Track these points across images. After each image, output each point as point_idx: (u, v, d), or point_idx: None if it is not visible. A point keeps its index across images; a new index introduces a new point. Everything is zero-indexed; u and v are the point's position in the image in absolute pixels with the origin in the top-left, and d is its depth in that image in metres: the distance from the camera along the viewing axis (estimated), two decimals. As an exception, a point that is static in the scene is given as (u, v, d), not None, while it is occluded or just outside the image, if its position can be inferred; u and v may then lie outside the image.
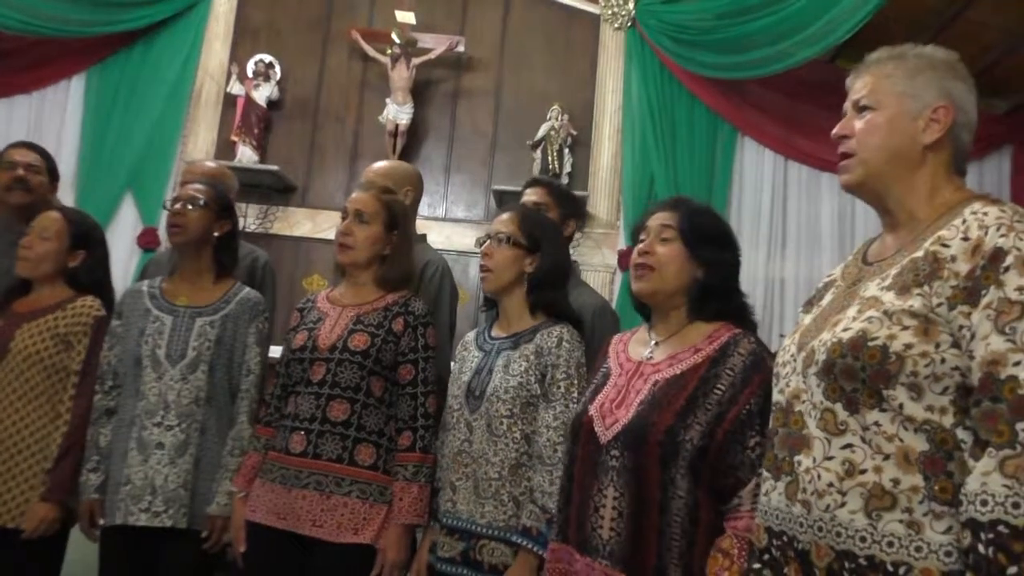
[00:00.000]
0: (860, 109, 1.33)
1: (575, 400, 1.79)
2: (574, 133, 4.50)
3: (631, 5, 4.61)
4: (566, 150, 4.47)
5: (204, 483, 2.06)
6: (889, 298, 1.18)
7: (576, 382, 1.84)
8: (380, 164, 2.76)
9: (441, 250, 4.41)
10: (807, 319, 1.36)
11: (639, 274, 1.62)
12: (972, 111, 1.30)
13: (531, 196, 2.47)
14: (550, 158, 4.44)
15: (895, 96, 1.29)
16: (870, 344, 1.14)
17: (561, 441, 1.75)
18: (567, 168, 4.47)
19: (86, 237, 2.35)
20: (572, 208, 2.53)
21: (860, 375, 1.14)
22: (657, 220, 1.64)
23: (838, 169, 1.35)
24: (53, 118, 4.67)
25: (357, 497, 1.90)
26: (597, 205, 4.53)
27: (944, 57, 1.33)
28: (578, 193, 4.36)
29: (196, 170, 2.84)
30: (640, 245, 1.63)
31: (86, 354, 2.21)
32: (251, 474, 2.01)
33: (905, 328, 1.13)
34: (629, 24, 4.63)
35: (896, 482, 1.11)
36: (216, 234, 2.20)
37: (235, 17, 4.78)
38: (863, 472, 1.13)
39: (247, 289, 2.25)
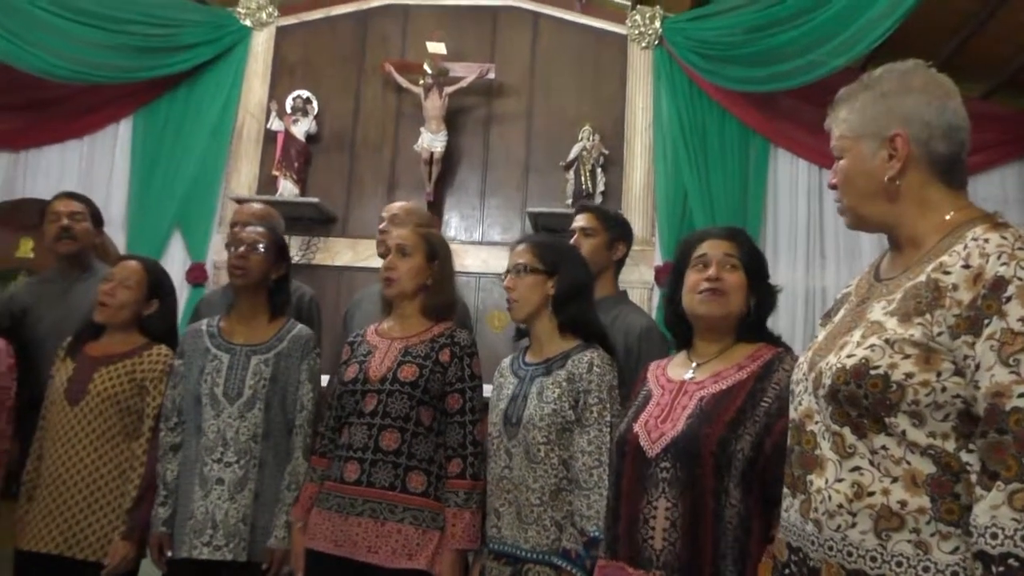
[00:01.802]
0: (836, 158, 1.37)
1: (608, 424, 1.86)
2: (606, 152, 4.55)
3: (658, 24, 4.66)
4: (598, 170, 4.53)
5: (263, 517, 2.14)
6: (892, 325, 1.19)
7: (609, 406, 1.90)
8: (404, 204, 2.92)
9: (478, 273, 4.56)
10: (820, 335, 1.39)
11: (711, 298, 1.68)
12: (940, 117, 1.26)
13: (579, 222, 2.54)
14: (583, 178, 4.50)
15: (852, 140, 1.31)
16: (872, 373, 1.15)
17: (596, 465, 1.82)
18: (600, 187, 4.52)
19: (160, 287, 2.47)
20: (620, 231, 2.56)
21: (863, 403, 1.16)
22: (719, 249, 1.72)
23: (840, 210, 1.40)
24: (103, 161, 4.85)
25: (410, 523, 1.96)
26: (632, 223, 4.48)
27: (897, 73, 1.31)
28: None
29: (246, 211, 2.96)
30: (709, 271, 1.69)
31: (161, 399, 2.32)
32: (308, 504, 2.09)
33: (906, 357, 1.14)
34: (656, 43, 4.68)
35: (904, 504, 1.13)
36: (273, 277, 2.30)
37: (272, 56, 4.93)
38: (871, 494, 1.15)
39: (299, 326, 2.35)
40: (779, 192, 4.52)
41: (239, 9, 4.89)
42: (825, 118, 1.42)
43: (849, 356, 1.20)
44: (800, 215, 4.50)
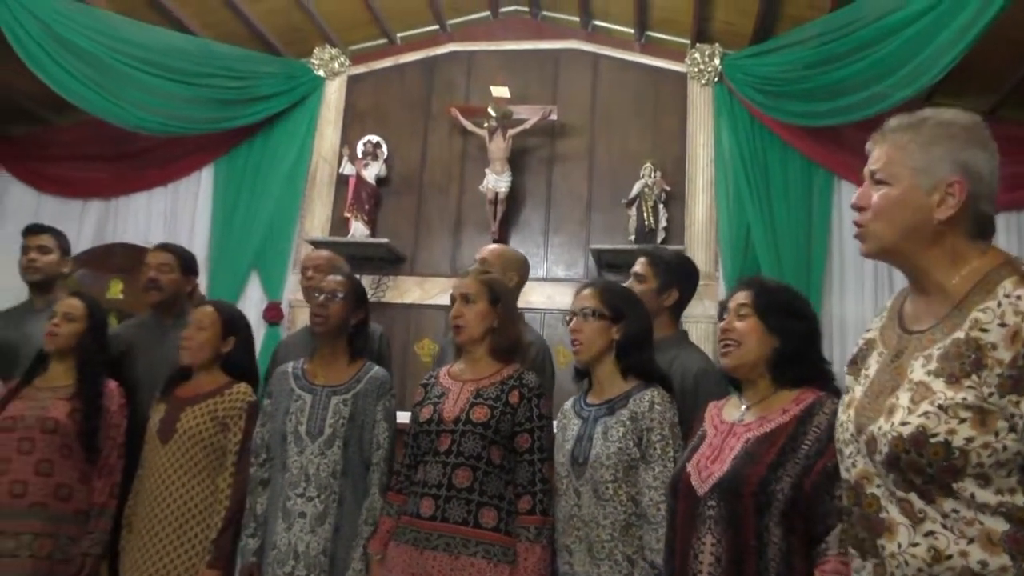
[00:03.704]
0: (876, 181, 1.32)
1: (672, 459, 1.93)
2: (667, 189, 4.62)
3: (717, 61, 4.73)
4: (660, 206, 4.59)
5: (342, 550, 2.24)
6: (940, 387, 1.18)
7: (672, 442, 1.96)
8: (494, 247, 3.03)
9: (543, 309, 4.64)
10: (857, 390, 1.36)
11: (723, 351, 1.78)
12: (992, 178, 1.28)
13: (634, 267, 2.60)
14: (645, 215, 4.56)
15: (908, 170, 1.28)
16: (932, 441, 1.14)
17: (663, 500, 1.88)
18: (662, 223, 4.58)
19: (234, 324, 2.64)
20: (672, 277, 2.54)
21: (927, 471, 1.16)
22: (736, 300, 1.81)
23: (858, 236, 1.36)
24: (187, 207, 5.14)
25: (483, 557, 2.04)
26: (695, 257, 4.55)
27: (964, 123, 1.30)
28: (675, 247, 4.47)
29: (315, 257, 3.12)
30: (723, 323, 1.80)
31: (241, 436, 2.47)
32: (386, 538, 2.19)
33: (963, 421, 1.13)
34: (716, 79, 4.74)
35: (984, 564, 1.12)
36: (353, 322, 2.44)
37: (344, 103, 5.17)
38: (950, 557, 1.14)
39: (376, 368, 2.47)
40: (844, 225, 4.47)
41: (313, 60, 5.15)
42: None
43: (903, 424, 1.19)
44: (867, 247, 4.46)
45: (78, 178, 5.24)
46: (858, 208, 1.35)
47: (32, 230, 3.12)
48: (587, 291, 2.18)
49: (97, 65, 4.16)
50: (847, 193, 4.50)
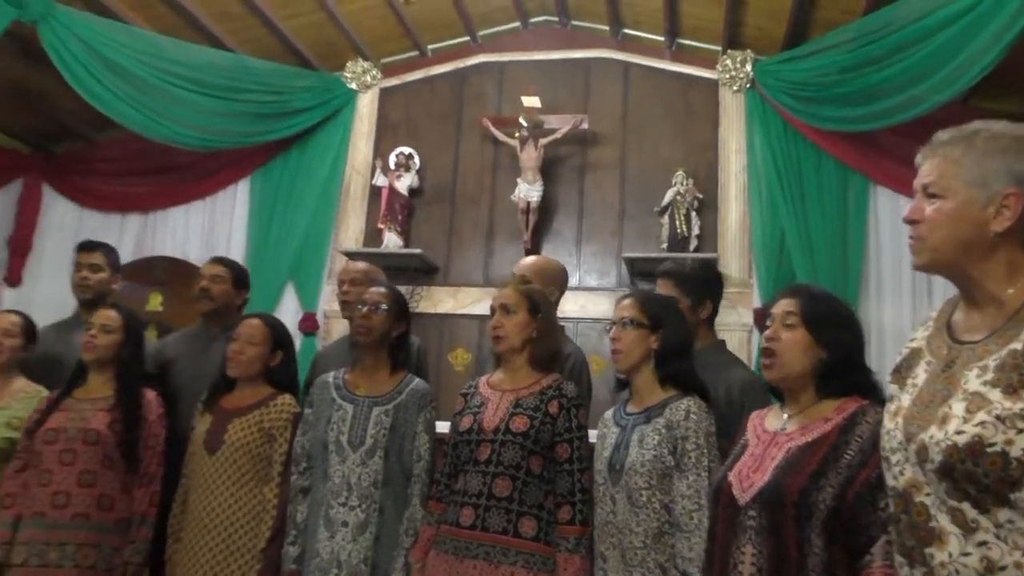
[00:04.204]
0: (929, 195, 1.32)
1: (706, 469, 1.92)
2: (700, 196, 4.60)
3: (749, 67, 4.71)
4: (693, 213, 4.57)
5: (383, 559, 2.27)
6: (997, 397, 1.16)
7: (707, 451, 1.96)
8: (532, 260, 3.05)
9: (576, 319, 4.64)
10: (905, 399, 1.35)
11: (767, 363, 1.75)
12: None
13: (660, 289, 2.54)
14: (677, 222, 4.55)
15: (963, 183, 1.28)
16: (988, 451, 1.13)
17: (696, 508, 1.88)
18: (695, 231, 4.56)
19: (282, 339, 2.69)
20: (702, 291, 2.51)
21: (983, 480, 1.14)
22: (781, 307, 1.77)
23: (911, 249, 1.35)
24: (223, 220, 5.23)
25: (523, 566, 2.04)
26: (729, 265, 4.57)
27: (1016, 134, 1.30)
28: (708, 255, 4.45)
29: (352, 270, 3.15)
30: (767, 332, 1.76)
31: (287, 446, 2.51)
32: (426, 546, 2.21)
33: (1021, 432, 1.12)
34: (748, 86, 4.72)
35: None
36: (394, 334, 2.47)
37: (376, 115, 5.23)
38: (1003, 568, 1.12)
39: (417, 380, 2.50)
40: (881, 230, 4.44)
41: (345, 74, 5.22)
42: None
43: (959, 433, 1.18)
44: (904, 253, 4.37)
45: (118, 193, 5.37)
46: (911, 222, 1.34)
47: (85, 247, 3.19)
48: (627, 300, 2.19)
49: (138, 83, 4.26)
50: (883, 199, 4.46)
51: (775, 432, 1.73)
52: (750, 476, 1.65)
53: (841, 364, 1.70)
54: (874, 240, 4.43)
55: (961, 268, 1.30)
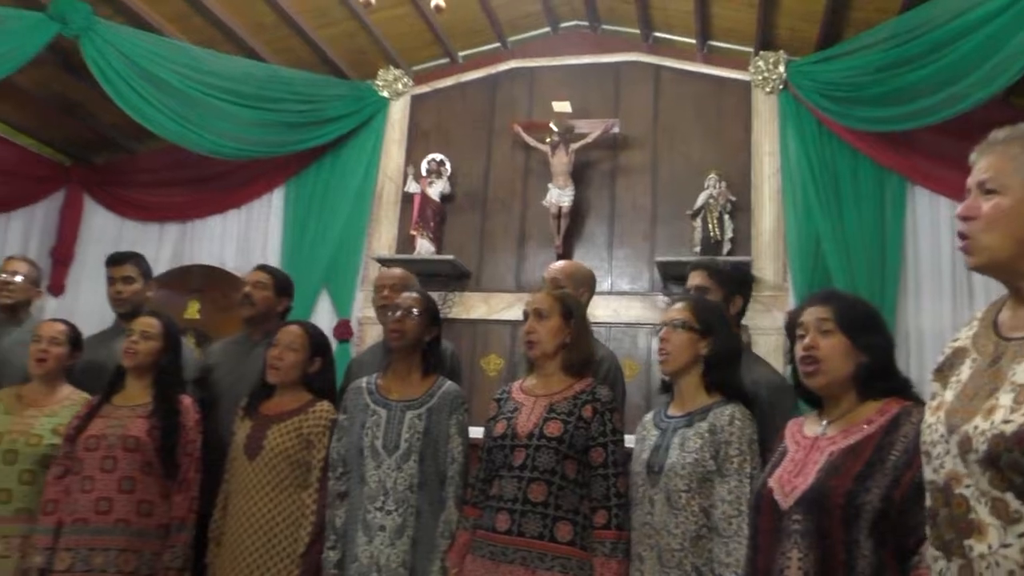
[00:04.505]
0: (985, 191, 1.30)
1: (748, 475, 1.92)
2: (733, 199, 4.56)
3: (782, 68, 4.67)
4: (726, 216, 4.53)
5: (421, 562, 2.28)
6: None
7: (749, 458, 1.95)
8: (562, 264, 3.05)
9: (608, 323, 4.63)
10: (948, 394, 1.33)
11: (808, 370, 1.72)
12: None
13: (694, 280, 2.58)
14: (710, 226, 4.51)
15: (1021, 181, 1.27)
16: None
17: (736, 514, 1.88)
18: (728, 234, 4.52)
19: (321, 346, 2.71)
20: (735, 286, 2.55)
21: None
22: (813, 315, 1.75)
23: (963, 248, 1.33)
24: (259, 228, 5.31)
25: (559, 571, 2.04)
26: (763, 268, 4.53)
27: None
28: (742, 258, 4.41)
29: (389, 276, 3.18)
30: (804, 340, 1.73)
31: (325, 452, 2.53)
32: (463, 551, 2.22)
33: None
34: (781, 87, 4.68)
35: None
36: (426, 339, 2.49)
37: (408, 122, 5.27)
38: None
39: (448, 383, 2.51)
40: (919, 231, 4.36)
41: (377, 82, 5.27)
42: (968, 151, 1.38)
43: (1006, 422, 1.17)
44: (944, 253, 4.32)
45: (157, 203, 5.47)
46: (964, 219, 1.32)
47: (114, 260, 3.23)
48: (680, 304, 2.19)
49: (176, 94, 4.35)
50: (921, 199, 4.39)
51: (815, 437, 1.71)
52: (792, 481, 1.64)
53: (881, 367, 1.70)
54: (912, 241, 4.36)
55: (1016, 266, 1.28)
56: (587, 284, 2.92)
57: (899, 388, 1.70)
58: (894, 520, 1.49)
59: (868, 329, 1.72)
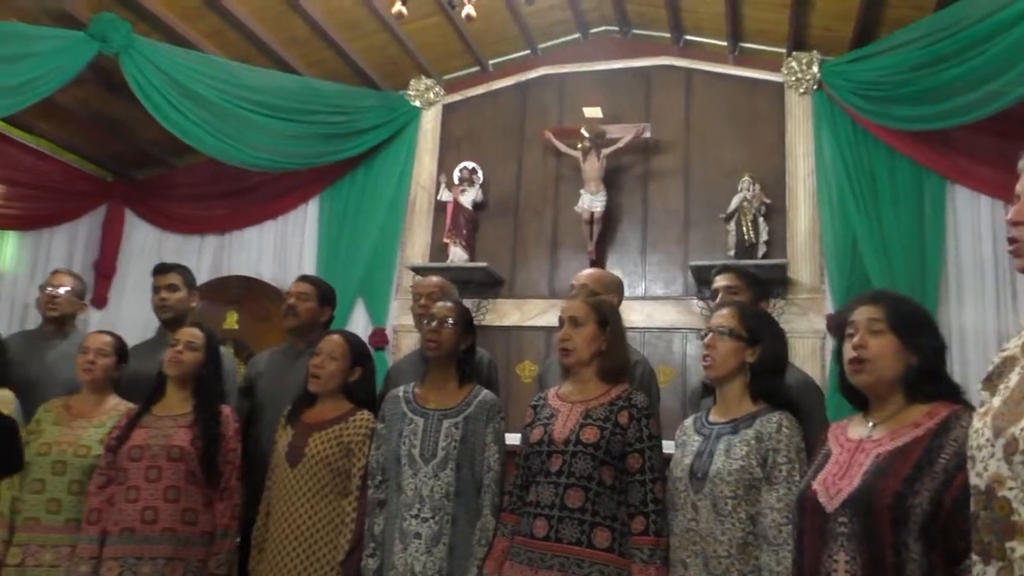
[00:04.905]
0: None
1: (797, 483, 1.89)
2: (767, 202, 4.52)
3: (815, 68, 4.62)
4: (760, 219, 4.50)
5: (457, 570, 2.29)
6: None
7: (798, 466, 1.93)
8: (591, 271, 3.10)
9: (642, 328, 4.61)
10: (996, 400, 1.32)
11: (855, 368, 1.70)
12: None
13: (722, 281, 2.67)
14: (745, 229, 4.48)
15: None
16: None
17: (785, 522, 1.86)
18: (763, 237, 4.48)
19: (361, 356, 2.74)
20: (762, 290, 2.69)
21: None
22: (864, 314, 1.73)
23: (1013, 252, 1.33)
24: (295, 238, 5.38)
25: (597, 577, 2.04)
26: (799, 271, 4.48)
27: None
28: (777, 261, 4.38)
29: (427, 284, 3.20)
30: (853, 339, 1.71)
31: (365, 461, 2.56)
32: (500, 557, 2.22)
33: None
34: (815, 87, 4.63)
35: None
36: (462, 347, 2.51)
37: (440, 131, 5.31)
38: None
39: (485, 392, 2.53)
40: (960, 231, 4.28)
41: (409, 92, 5.33)
42: (1008, 149, 1.37)
43: None
44: (985, 254, 4.23)
45: (196, 216, 5.58)
46: (1015, 224, 1.32)
47: (160, 269, 3.33)
48: (726, 311, 2.18)
49: (213, 109, 4.43)
50: (961, 198, 4.31)
51: (860, 439, 1.69)
52: (837, 483, 1.62)
53: (931, 369, 1.68)
54: (952, 241, 4.28)
55: None
56: (617, 290, 2.95)
57: (948, 392, 1.67)
58: (944, 523, 1.47)
59: (919, 330, 1.70)
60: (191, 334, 2.80)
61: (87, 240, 5.55)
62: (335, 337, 2.73)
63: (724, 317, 2.15)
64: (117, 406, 2.89)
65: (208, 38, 4.53)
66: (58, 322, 3.31)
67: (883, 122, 4.30)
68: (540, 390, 2.65)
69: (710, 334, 2.14)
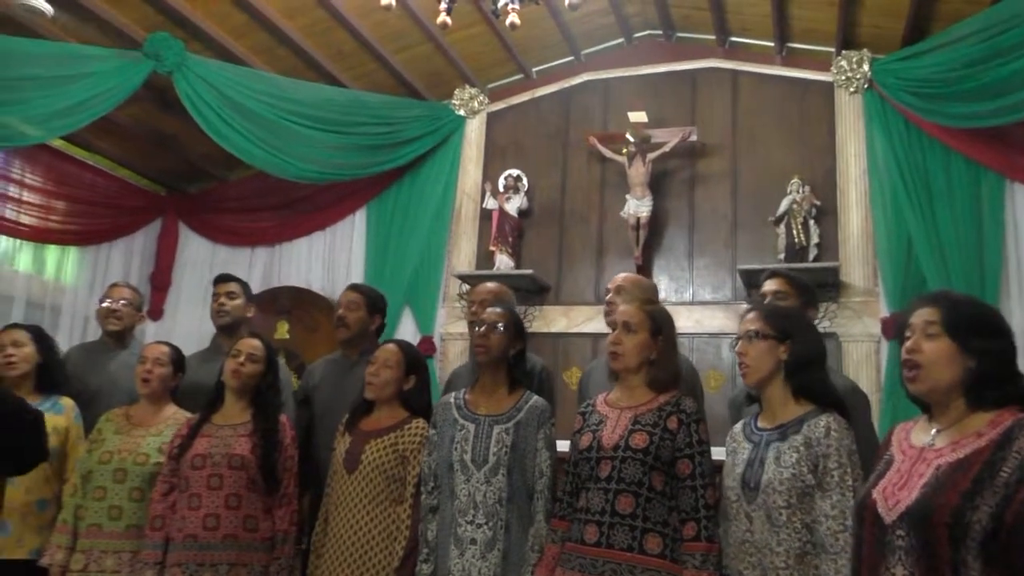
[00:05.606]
0: None
1: (850, 488, 1.84)
2: (818, 204, 4.44)
3: (866, 67, 4.53)
4: (811, 222, 4.42)
5: (511, 575, 2.29)
6: None
7: (850, 470, 1.88)
8: (628, 275, 3.07)
9: (691, 334, 4.56)
10: None
11: (910, 375, 1.65)
12: None
13: (771, 286, 2.65)
14: (795, 232, 4.40)
15: None
16: None
17: (841, 529, 1.81)
18: (814, 240, 4.40)
19: (416, 364, 2.77)
20: (810, 296, 2.66)
21: None
22: (921, 317, 1.66)
23: None
24: (343, 248, 5.46)
25: (650, 584, 2.02)
26: (851, 274, 4.39)
27: None
28: (829, 264, 4.30)
29: (483, 291, 3.22)
30: (907, 343, 1.66)
31: (419, 468, 2.57)
32: (552, 564, 2.21)
33: None
34: (866, 86, 4.54)
35: None
36: (512, 353, 2.52)
37: (484, 140, 5.34)
38: None
39: (535, 397, 2.53)
40: (1020, 230, 4.14)
41: (453, 101, 5.36)
42: None
43: None
44: (1048, 251, 4.09)
45: (247, 228, 5.70)
46: None
47: (221, 279, 3.44)
48: (751, 314, 2.14)
49: (262, 123, 4.53)
50: (1021, 196, 4.17)
51: (922, 447, 1.63)
52: (896, 494, 1.57)
53: (993, 373, 1.59)
54: (1012, 240, 4.15)
55: None
56: (653, 293, 2.95)
57: (1015, 397, 1.58)
58: (1005, 540, 1.40)
59: (979, 332, 1.61)
60: (252, 346, 2.86)
61: (143, 253, 5.71)
62: (390, 346, 2.76)
63: (749, 321, 2.12)
64: (174, 415, 2.96)
65: (257, 54, 4.63)
66: (117, 334, 3.41)
67: (937, 120, 4.20)
68: (583, 392, 2.63)
69: (739, 342, 2.11)
